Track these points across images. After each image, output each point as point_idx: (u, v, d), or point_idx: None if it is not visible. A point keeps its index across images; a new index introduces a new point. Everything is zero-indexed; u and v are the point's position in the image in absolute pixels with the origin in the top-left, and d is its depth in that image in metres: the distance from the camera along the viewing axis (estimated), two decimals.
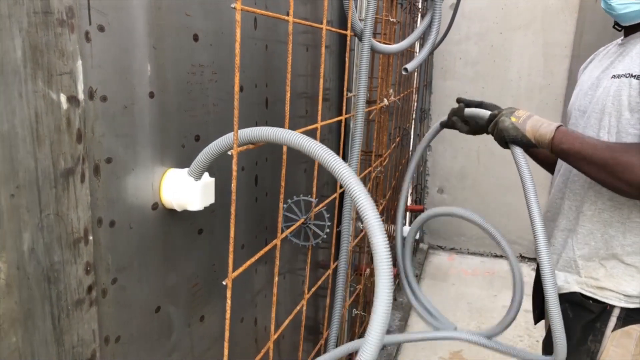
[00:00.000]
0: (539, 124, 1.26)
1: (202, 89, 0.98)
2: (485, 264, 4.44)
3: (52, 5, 0.63)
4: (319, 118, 1.18)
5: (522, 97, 4.23)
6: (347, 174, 0.76)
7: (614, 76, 1.29)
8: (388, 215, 2.69)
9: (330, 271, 1.41)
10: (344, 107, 1.61)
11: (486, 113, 1.37)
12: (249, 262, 0.87)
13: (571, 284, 1.40)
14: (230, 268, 0.79)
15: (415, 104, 3.72)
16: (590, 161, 1.20)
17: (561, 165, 1.48)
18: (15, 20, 0.58)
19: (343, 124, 1.41)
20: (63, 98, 0.66)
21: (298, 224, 1.11)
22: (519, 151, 1.29)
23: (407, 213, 3.76)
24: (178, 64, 0.90)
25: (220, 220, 1.08)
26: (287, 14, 0.94)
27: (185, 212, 0.94)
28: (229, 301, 0.80)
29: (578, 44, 3.98)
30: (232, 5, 0.73)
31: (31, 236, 0.63)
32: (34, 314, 0.64)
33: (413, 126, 3.72)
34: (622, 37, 1.39)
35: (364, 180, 1.85)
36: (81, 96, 0.69)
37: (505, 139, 1.29)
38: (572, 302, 1.39)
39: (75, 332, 0.71)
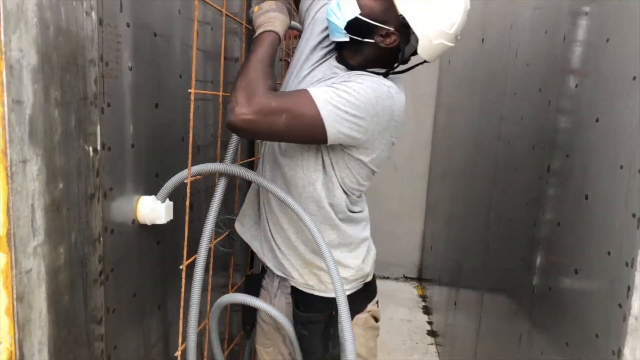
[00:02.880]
0: (263, 22, 1.36)
1: (160, 140, 1.39)
2: None
3: (88, 93, 1.03)
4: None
5: (397, 141, 4.95)
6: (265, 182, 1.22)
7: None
8: None
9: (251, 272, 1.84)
10: (257, 147, 2.07)
11: None
12: (194, 257, 1.29)
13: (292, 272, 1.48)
14: (185, 256, 1.20)
15: None
16: (242, 70, 1.28)
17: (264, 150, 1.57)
18: (72, 106, 0.98)
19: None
20: (90, 149, 1.05)
21: (224, 235, 1.54)
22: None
23: None
24: (147, 123, 1.31)
25: (168, 235, 1.47)
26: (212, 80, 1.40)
27: (150, 227, 1.33)
28: (183, 280, 1.21)
29: (439, 94, 4.80)
30: (189, 90, 1.17)
31: (75, 235, 1.01)
32: (75, 285, 1.01)
33: None
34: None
35: None
36: (99, 148, 1.08)
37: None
38: (303, 322, 1.48)
39: (93, 301, 1.08)
